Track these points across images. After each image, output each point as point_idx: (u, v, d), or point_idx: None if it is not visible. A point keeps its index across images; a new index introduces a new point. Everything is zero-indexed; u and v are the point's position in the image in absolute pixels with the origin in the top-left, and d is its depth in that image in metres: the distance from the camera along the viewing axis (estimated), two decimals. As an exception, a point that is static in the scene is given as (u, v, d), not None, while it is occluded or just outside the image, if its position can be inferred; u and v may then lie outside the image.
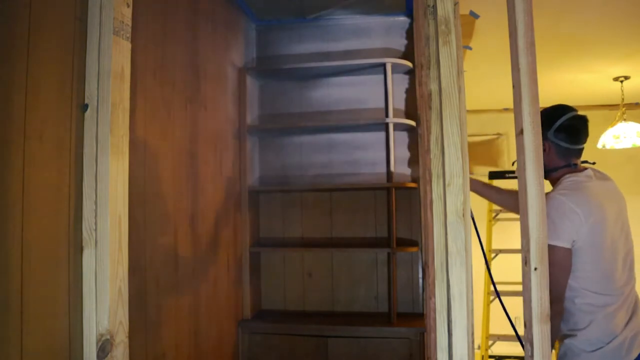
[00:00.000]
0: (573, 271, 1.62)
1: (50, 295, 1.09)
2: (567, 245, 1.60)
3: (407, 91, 2.72)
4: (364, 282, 2.71)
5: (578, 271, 1.62)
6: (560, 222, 1.58)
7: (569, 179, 1.70)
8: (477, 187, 2.09)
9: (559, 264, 1.58)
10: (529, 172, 0.99)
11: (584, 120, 1.76)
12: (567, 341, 1.63)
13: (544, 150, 1.75)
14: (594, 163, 1.82)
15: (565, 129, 1.71)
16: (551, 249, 1.59)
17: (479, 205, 3.17)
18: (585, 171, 1.73)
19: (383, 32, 2.77)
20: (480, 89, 4.40)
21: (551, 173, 1.76)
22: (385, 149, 2.64)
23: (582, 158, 1.80)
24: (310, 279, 2.76)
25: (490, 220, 4.07)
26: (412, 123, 2.57)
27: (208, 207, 2.16)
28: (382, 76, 2.62)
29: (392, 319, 2.46)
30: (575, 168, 1.74)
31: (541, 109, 1.80)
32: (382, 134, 2.69)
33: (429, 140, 1.14)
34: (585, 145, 1.78)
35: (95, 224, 1.12)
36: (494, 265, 3.67)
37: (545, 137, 1.73)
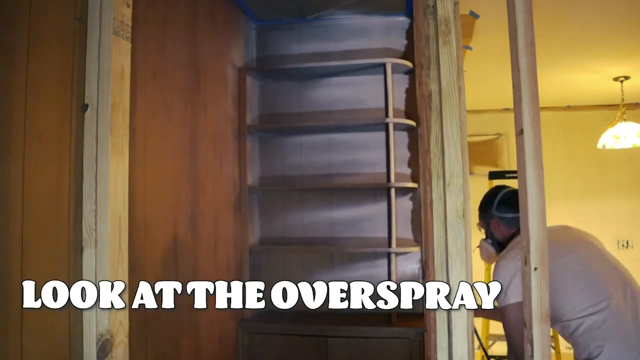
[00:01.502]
0: (554, 303, 1.62)
1: (50, 295, 1.09)
2: (519, 298, 1.58)
3: (407, 91, 2.72)
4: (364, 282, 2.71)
5: (558, 301, 1.61)
6: (508, 282, 1.66)
7: (512, 242, 1.83)
8: (484, 314, 2.25)
9: (519, 319, 1.59)
10: (529, 172, 0.99)
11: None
12: None
13: (494, 228, 1.92)
14: None
15: (505, 202, 1.90)
16: (506, 310, 1.65)
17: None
18: None
19: (383, 32, 2.76)
20: (480, 89, 4.40)
21: (507, 244, 1.88)
22: (385, 149, 2.64)
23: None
24: (310, 279, 2.76)
25: (490, 220, 4.06)
26: (412, 123, 2.57)
27: (208, 207, 2.16)
28: (382, 76, 2.62)
29: (392, 319, 2.46)
30: None
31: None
32: (382, 134, 2.69)
33: (429, 140, 1.15)
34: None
35: (95, 224, 1.12)
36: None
37: (491, 217, 1.92)
